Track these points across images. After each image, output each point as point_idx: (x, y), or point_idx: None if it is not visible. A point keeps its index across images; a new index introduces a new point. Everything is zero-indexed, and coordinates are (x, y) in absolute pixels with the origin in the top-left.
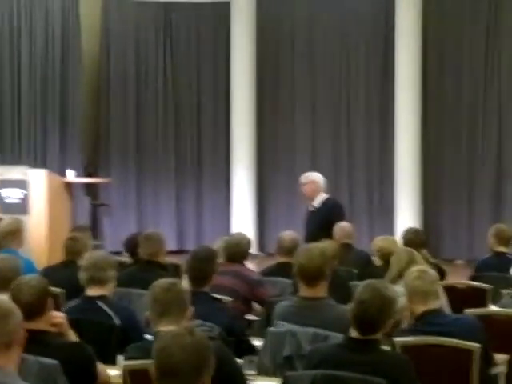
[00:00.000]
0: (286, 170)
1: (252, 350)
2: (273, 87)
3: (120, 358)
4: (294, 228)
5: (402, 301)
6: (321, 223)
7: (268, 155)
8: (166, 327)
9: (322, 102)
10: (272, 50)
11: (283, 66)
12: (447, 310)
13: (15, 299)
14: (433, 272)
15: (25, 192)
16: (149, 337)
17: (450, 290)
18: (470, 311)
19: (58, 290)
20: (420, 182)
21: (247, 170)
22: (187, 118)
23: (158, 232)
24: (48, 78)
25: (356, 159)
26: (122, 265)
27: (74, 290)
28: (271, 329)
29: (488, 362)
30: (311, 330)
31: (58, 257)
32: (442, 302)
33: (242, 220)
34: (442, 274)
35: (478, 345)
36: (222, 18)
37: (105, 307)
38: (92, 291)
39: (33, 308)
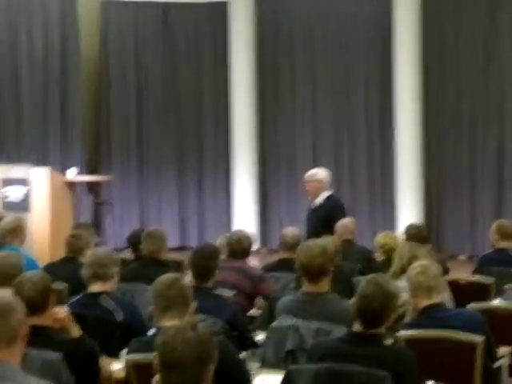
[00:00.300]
0: (288, 166)
1: (255, 344)
2: (273, 85)
3: (123, 353)
4: (296, 224)
5: (404, 296)
6: (322, 220)
7: (270, 152)
8: (169, 322)
9: (323, 99)
10: (271, 49)
11: (283, 65)
12: (450, 304)
13: (18, 295)
14: (436, 266)
15: (27, 190)
16: (151, 331)
17: (453, 285)
18: (472, 306)
19: (61, 285)
20: (422, 177)
21: (249, 166)
22: (188, 117)
23: (160, 229)
24: (49, 77)
25: (357, 156)
26: (124, 261)
27: (76, 286)
28: (274, 323)
29: (491, 355)
30: (314, 324)
31: (60, 255)
32: (444, 297)
33: (244, 216)
34: (444, 270)
35: (481, 338)
36: (220, 17)
37: (107, 303)
38: (95, 287)
39: (36, 303)
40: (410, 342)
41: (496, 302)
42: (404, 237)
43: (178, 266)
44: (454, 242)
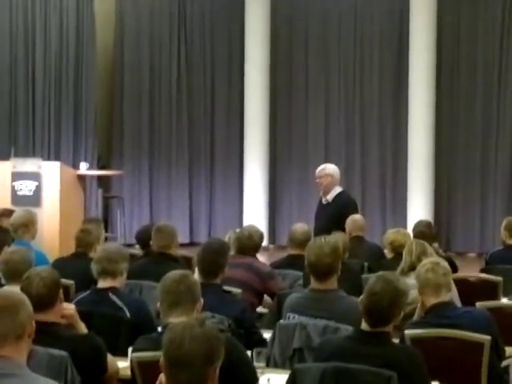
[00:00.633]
0: (299, 162)
1: (262, 342)
2: (287, 80)
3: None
4: (305, 220)
5: (413, 293)
6: (333, 216)
7: (281, 148)
8: (177, 319)
9: (336, 97)
10: (286, 39)
11: (297, 60)
12: (458, 302)
13: (26, 291)
14: (445, 264)
15: (38, 184)
16: (159, 328)
17: (462, 283)
18: (481, 304)
19: (69, 281)
20: (432, 174)
21: (260, 162)
22: (201, 111)
23: (171, 224)
24: (62, 71)
25: (369, 153)
26: (133, 257)
27: (85, 281)
28: (281, 321)
29: (499, 354)
30: (321, 322)
31: (71, 249)
32: (452, 295)
33: (254, 212)
34: (453, 268)
35: (488, 337)
36: (236, 8)
37: (116, 299)
38: (104, 283)
39: (43, 300)
40: (417, 340)
41: (504, 300)
42: (412, 234)
43: (187, 262)
44: (464, 240)
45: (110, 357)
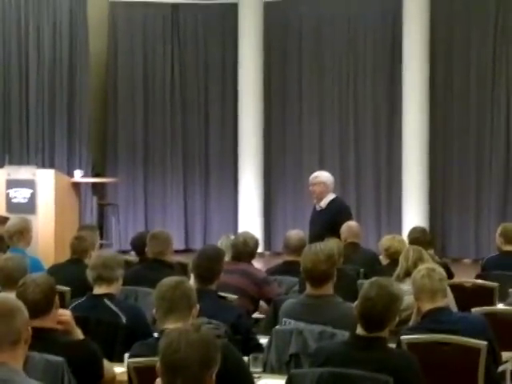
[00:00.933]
0: (294, 169)
1: (259, 347)
2: (281, 87)
3: (127, 356)
4: (300, 227)
5: (408, 299)
6: (327, 223)
7: (275, 154)
8: (173, 325)
9: (330, 105)
10: (280, 50)
11: (291, 66)
12: (454, 308)
13: (22, 297)
14: (441, 270)
15: (32, 192)
16: (155, 334)
17: (458, 289)
18: (476, 310)
19: (65, 288)
20: (427, 181)
21: (254, 169)
22: (195, 118)
23: (166, 231)
24: (56, 78)
25: (363, 160)
26: (128, 263)
27: (81, 288)
28: (277, 327)
29: (495, 359)
30: (317, 327)
31: (66, 256)
32: (448, 301)
33: (249, 219)
34: (449, 274)
35: (484, 342)
36: (229, 18)
37: (111, 305)
38: (99, 289)
39: (39, 306)
40: (413, 345)
41: (500, 306)
42: (407, 240)
43: (183, 269)
44: (459, 246)
45: (106, 362)
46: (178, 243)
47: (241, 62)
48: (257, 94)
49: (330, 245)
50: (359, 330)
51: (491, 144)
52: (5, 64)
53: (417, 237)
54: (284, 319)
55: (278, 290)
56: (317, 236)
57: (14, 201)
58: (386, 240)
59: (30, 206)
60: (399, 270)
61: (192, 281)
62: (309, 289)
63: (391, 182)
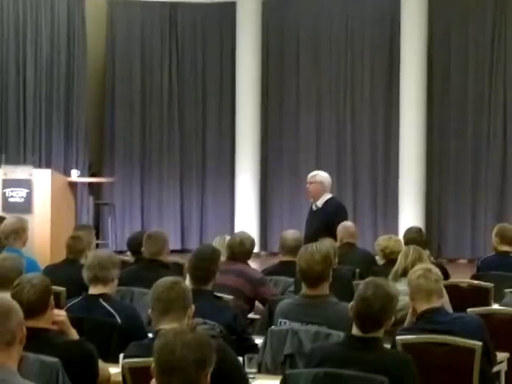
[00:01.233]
0: (290, 168)
1: (254, 348)
2: (278, 86)
3: (122, 357)
4: (297, 227)
5: (403, 299)
6: (322, 222)
7: (272, 154)
8: (168, 325)
9: (327, 101)
10: (277, 50)
11: (288, 65)
12: (449, 309)
13: (17, 298)
14: (437, 271)
15: (29, 191)
16: (150, 335)
17: (453, 289)
18: (472, 310)
19: (60, 288)
20: (423, 181)
21: (251, 169)
22: (192, 118)
23: (162, 231)
24: (53, 79)
25: (360, 158)
26: (124, 263)
27: (76, 288)
28: (273, 327)
29: (490, 360)
30: (313, 328)
31: (62, 256)
32: (444, 302)
33: (246, 219)
34: (445, 274)
35: (479, 343)
36: (227, 18)
37: (107, 306)
38: (95, 290)
39: (34, 306)
40: (409, 345)
41: (496, 307)
42: (403, 240)
43: (179, 269)
44: (455, 246)
45: (101, 363)
46: (174, 243)
47: (239, 62)
48: (254, 94)
49: (326, 245)
50: (355, 331)
51: (488, 145)
52: (2, 66)
53: (413, 237)
54: (279, 319)
55: (273, 291)
56: (313, 236)
57: (11, 200)
58: (383, 240)
59: (26, 206)
60: (397, 266)
61: (188, 281)
62: (304, 289)
63: (388, 182)
